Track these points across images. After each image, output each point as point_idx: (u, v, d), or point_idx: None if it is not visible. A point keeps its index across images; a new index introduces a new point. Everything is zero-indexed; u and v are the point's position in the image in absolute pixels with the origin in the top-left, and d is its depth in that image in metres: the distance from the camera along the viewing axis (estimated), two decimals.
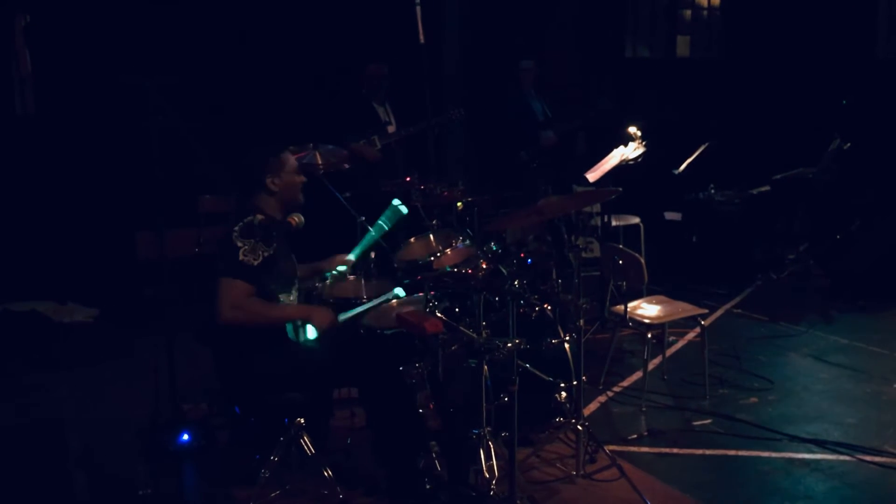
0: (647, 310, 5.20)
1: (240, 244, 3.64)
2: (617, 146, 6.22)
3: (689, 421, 4.87)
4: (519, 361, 3.69)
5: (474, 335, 3.81)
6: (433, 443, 3.79)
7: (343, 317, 3.96)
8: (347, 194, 5.29)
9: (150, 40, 6.85)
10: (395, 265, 4.61)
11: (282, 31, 7.65)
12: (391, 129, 6.91)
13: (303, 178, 4.03)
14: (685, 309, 5.23)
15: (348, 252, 4.42)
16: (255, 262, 3.65)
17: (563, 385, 4.32)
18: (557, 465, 4.27)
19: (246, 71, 7.35)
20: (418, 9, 5.53)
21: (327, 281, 4.42)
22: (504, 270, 4.54)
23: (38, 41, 6.48)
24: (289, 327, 3.78)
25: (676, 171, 7.39)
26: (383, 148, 6.73)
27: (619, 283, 5.58)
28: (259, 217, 3.74)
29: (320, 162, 5.10)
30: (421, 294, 4.30)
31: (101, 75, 6.53)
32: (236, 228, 3.69)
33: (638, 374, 5.49)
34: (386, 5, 7.32)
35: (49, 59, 6.66)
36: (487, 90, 8.51)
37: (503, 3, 8.99)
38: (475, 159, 9.00)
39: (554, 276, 5.14)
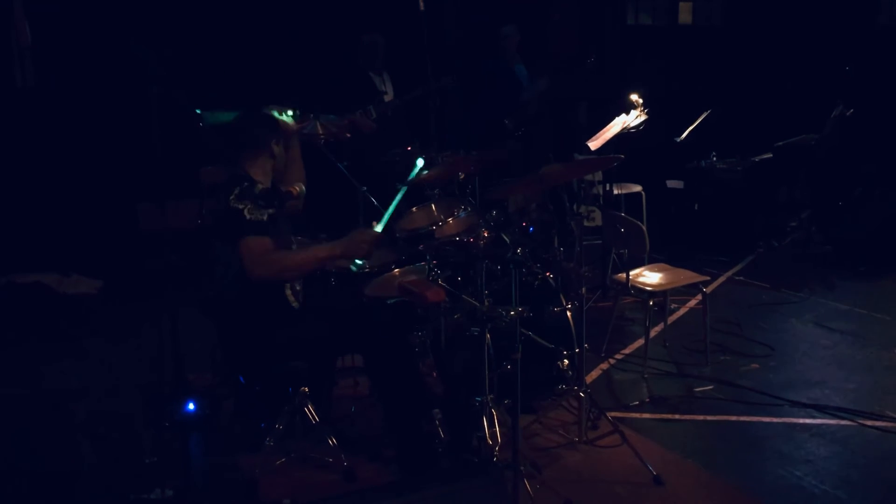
0: (648, 277, 5.22)
1: (240, 206, 3.59)
2: (618, 114, 6.20)
3: (690, 387, 4.91)
4: (521, 329, 3.70)
5: (477, 304, 3.82)
6: (436, 410, 3.82)
7: (380, 227, 3.94)
8: (345, 163, 5.27)
9: (149, 11, 6.80)
10: (397, 234, 4.61)
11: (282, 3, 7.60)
12: (388, 98, 6.89)
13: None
14: (687, 276, 5.24)
15: (352, 222, 4.41)
16: (264, 218, 3.61)
17: (565, 353, 4.34)
18: (560, 431, 4.31)
19: (246, 41, 7.31)
20: None
21: None
22: (506, 239, 4.54)
23: (37, 12, 6.43)
24: None
25: (678, 139, 7.36)
26: (380, 118, 6.69)
27: (621, 251, 5.59)
28: (260, 186, 3.74)
29: (321, 132, 5.09)
30: (423, 263, 4.31)
31: (102, 46, 6.50)
32: (232, 195, 3.65)
33: (640, 342, 5.51)
34: None
35: (49, 31, 6.62)
36: (485, 58, 8.46)
37: None
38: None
39: (556, 245, 5.14)
